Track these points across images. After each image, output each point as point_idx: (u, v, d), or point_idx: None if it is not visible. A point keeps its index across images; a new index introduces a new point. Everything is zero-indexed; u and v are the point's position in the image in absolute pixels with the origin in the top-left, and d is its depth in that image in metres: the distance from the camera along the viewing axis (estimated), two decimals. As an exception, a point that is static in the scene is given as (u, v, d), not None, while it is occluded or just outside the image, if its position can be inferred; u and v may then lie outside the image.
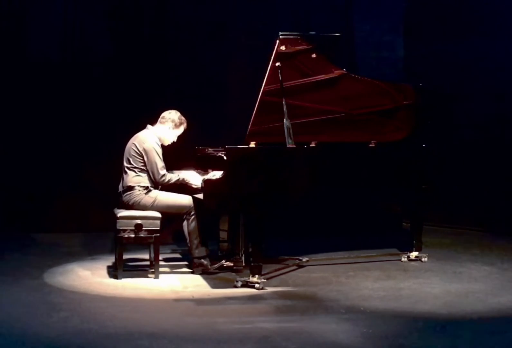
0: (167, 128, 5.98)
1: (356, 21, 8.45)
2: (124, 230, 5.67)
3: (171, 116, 5.99)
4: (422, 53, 8.31)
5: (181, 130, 6.04)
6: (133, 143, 5.90)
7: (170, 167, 5.99)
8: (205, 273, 5.84)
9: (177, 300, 5.12)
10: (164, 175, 5.84)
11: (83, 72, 7.72)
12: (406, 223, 7.77)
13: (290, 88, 5.91)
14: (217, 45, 7.91)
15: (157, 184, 5.87)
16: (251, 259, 5.60)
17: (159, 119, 6.01)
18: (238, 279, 5.53)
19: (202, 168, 6.21)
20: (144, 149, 5.84)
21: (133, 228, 5.66)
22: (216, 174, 5.77)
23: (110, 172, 6.55)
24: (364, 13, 8.47)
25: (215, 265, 5.89)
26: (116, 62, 7.80)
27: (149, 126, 6.02)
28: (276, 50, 5.65)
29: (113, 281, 5.65)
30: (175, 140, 6.06)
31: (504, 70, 7.84)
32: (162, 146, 5.97)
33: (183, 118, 6.03)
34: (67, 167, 7.67)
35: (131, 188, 5.81)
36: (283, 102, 5.70)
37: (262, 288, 5.36)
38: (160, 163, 5.84)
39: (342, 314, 4.72)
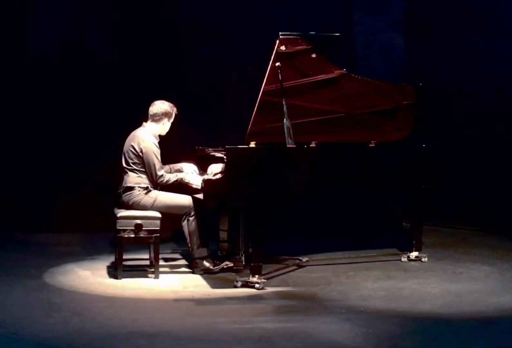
0: (163, 123, 5.95)
1: (356, 21, 8.45)
2: (124, 230, 5.67)
3: (163, 111, 5.91)
4: (422, 53, 8.31)
5: (174, 116, 5.99)
6: (131, 144, 5.87)
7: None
8: (207, 273, 5.84)
9: (177, 300, 5.12)
10: (162, 175, 5.83)
11: (83, 72, 7.71)
12: (406, 223, 7.77)
13: (290, 88, 5.91)
14: (217, 45, 7.91)
15: (156, 184, 5.86)
16: (251, 259, 5.60)
17: (151, 117, 5.94)
18: (238, 279, 5.53)
19: (202, 168, 6.21)
20: (142, 150, 5.82)
21: (133, 228, 5.66)
22: (214, 169, 5.77)
23: (110, 172, 6.55)
24: (364, 13, 8.47)
25: (218, 266, 5.89)
26: (116, 62, 7.79)
27: (144, 123, 5.98)
28: (276, 50, 5.65)
29: (113, 281, 5.65)
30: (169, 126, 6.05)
31: (505, 69, 7.84)
32: (162, 144, 5.97)
33: (171, 104, 5.97)
34: (67, 167, 7.66)
35: (130, 188, 5.81)
36: (283, 102, 5.70)
37: (262, 288, 5.36)
38: (158, 164, 5.83)
39: (342, 314, 4.72)
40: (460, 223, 8.12)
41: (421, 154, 6.32)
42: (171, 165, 6.11)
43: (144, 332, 4.27)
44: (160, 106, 5.95)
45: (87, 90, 7.70)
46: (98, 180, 7.49)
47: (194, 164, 6.14)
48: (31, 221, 7.57)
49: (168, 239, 7.08)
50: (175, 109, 5.99)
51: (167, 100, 6.00)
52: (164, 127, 5.98)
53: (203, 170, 6.15)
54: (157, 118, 5.94)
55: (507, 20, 7.85)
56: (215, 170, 5.85)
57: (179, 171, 6.10)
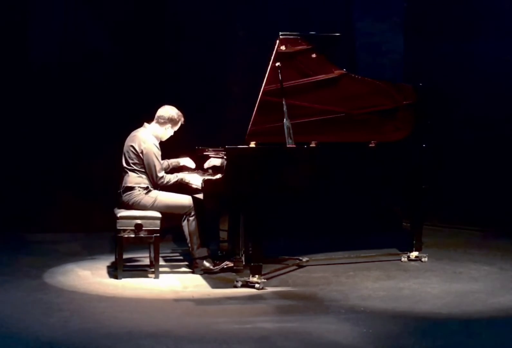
0: (166, 127, 5.97)
1: (356, 21, 8.45)
2: (124, 230, 5.67)
3: (169, 116, 5.93)
4: (422, 53, 8.31)
5: (179, 125, 6.02)
6: (131, 145, 5.87)
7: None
8: (207, 273, 5.84)
9: (177, 300, 5.12)
10: (162, 177, 5.84)
11: (83, 72, 7.72)
12: (406, 223, 7.77)
13: (290, 88, 5.91)
14: (217, 45, 7.91)
15: (156, 185, 5.86)
16: (251, 259, 5.60)
17: (156, 118, 5.96)
18: (238, 279, 5.53)
19: (202, 168, 6.22)
20: (142, 151, 5.83)
21: (133, 228, 5.66)
22: (213, 162, 5.84)
23: (110, 172, 6.56)
24: (365, 13, 8.47)
25: (218, 266, 5.89)
26: (116, 62, 7.80)
27: (146, 124, 5.99)
28: (276, 50, 5.66)
29: (113, 281, 5.65)
30: (172, 134, 6.06)
31: (504, 70, 7.84)
32: (161, 144, 5.97)
33: (179, 113, 5.98)
34: (67, 167, 7.66)
35: (131, 188, 5.81)
36: (283, 102, 5.70)
37: (262, 288, 5.36)
38: (158, 165, 5.84)
39: (342, 314, 4.72)
40: (460, 223, 8.12)
41: (421, 154, 6.32)
42: (169, 161, 6.13)
43: (144, 332, 4.27)
44: (168, 110, 5.97)
45: (87, 90, 7.69)
46: (98, 180, 7.50)
47: (188, 157, 6.21)
48: (31, 221, 7.58)
49: (168, 239, 7.09)
50: (182, 118, 5.99)
51: (174, 105, 6.01)
52: (166, 132, 5.98)
53: (203, 171, 6.16)
54: (161, 121, 5.95)
55: (507, 21, 7.85)
56: (213, 162, 5.87)
57: (177, 165, 6.15)
